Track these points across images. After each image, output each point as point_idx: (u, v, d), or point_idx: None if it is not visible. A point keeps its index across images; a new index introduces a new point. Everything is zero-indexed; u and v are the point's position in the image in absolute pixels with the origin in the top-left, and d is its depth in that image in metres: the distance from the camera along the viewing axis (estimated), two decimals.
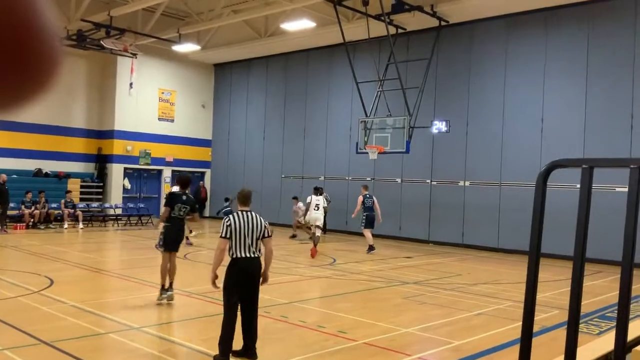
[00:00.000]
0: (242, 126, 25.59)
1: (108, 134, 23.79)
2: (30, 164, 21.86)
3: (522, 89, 17.19)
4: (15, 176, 20.48)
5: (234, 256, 5.93)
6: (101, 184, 23.72)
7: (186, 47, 22.85)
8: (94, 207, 22.57)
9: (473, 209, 18.00)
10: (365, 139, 17.79)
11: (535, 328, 3.05)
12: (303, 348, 6.53)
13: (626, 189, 2.39)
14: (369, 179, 20.19)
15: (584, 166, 2.43)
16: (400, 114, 17.32)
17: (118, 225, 21.88)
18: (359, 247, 16.29)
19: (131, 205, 23.52)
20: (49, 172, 22.24)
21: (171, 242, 8.71)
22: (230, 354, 5.83)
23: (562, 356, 2.51)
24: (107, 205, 23.15)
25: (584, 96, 16.02)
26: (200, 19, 21.96)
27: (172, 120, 25.47)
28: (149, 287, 9.58)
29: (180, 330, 7.52)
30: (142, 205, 23.42)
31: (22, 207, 19.55)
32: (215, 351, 5.87)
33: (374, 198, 16.21)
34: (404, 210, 19.59)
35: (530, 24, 17.13)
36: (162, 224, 8.80)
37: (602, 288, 11.02)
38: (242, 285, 5.92)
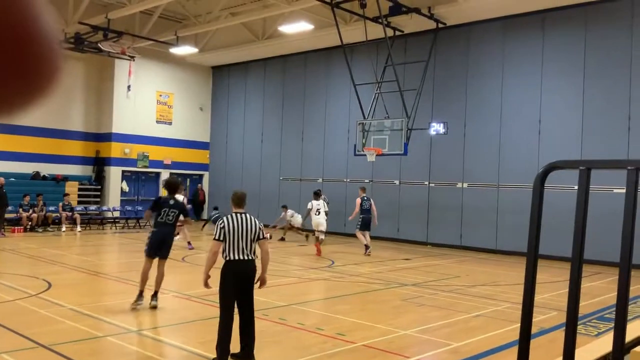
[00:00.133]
0: (240, 129, 25.58)
1: (106, 137, 23.77)
2: (28, 167, 21.81)
3: (519, 91, 17.21)
4: (13, 179, 20.44)
5: (227, 258, 5.87)
6: (99, 187, 23.67)
7: (184, 50, 22.85)
8: (92, 210, 22.54)
9: (471, 211, 18.00)
10: (363, 141, 17.80)
11: (534, 329, 3.05)
12: (301, 350, 6.52)
13: (624, 191, 2.40)
14: (367, 180, 20.19)
15: (581, 168, 2.43)
16: (398, 116, 17.34)
17: (116, 228, 21.85)
18: (357, 249, 16.28)
19: (129, 208, 23.50)
20: (46, 175, 22.20)
21: (155, 248, 8.42)
22: (228, 357, 5.81)
23: (561, 357, 2.51)
24: (105, 208, 23.10)
25: (581, 98, 16.04)
26: (198, 22, 21.96)
27: (170, 123, 25.46)
28: (147, 290, 9.54)
29: (178, 333, 7.50)
30: (140, 208, 23.33)
31: (20, 210, 19.51)
32: (213, 354, 5.86)
33: (372, 200, 16.23)
34: (402, 212, 19.59)
35: (527, 26, 17.16)
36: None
37: (600, 289, 11.03)
38: (237, 287, 5.87)
